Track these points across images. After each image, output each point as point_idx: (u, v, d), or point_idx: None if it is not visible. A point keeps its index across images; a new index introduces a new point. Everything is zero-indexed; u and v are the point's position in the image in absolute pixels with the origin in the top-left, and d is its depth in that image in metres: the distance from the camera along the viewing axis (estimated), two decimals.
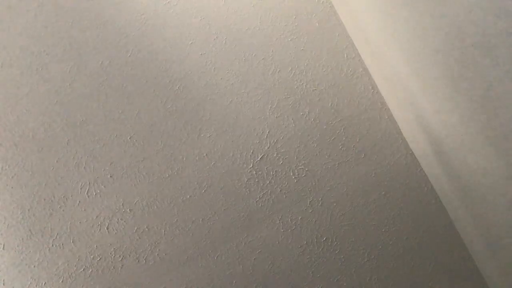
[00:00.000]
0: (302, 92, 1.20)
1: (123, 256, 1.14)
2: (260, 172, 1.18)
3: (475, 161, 0.87)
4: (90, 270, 1.13)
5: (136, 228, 1.14)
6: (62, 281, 1.12)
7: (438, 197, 1.20)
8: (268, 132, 1.19)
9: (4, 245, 1.11)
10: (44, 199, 1.12)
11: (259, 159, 1.19)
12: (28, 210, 1.12)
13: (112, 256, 1.13)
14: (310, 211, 1.19)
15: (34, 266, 1.11)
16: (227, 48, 1.20)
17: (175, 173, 1.16)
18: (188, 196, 1.17)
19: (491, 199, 0.90)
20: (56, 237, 1.12)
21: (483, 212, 0.97)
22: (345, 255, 1.19)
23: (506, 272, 1.04)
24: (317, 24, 1.21)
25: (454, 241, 1.20)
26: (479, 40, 0.63)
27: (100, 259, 1.13)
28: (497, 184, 0.84)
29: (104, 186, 1.14)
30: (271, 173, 1.19)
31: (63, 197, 1.13)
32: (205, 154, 1.17)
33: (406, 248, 1.19)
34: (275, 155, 1.19)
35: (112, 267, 1.13)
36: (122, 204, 1.15)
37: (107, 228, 1.14)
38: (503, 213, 0.89)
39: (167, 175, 1.16)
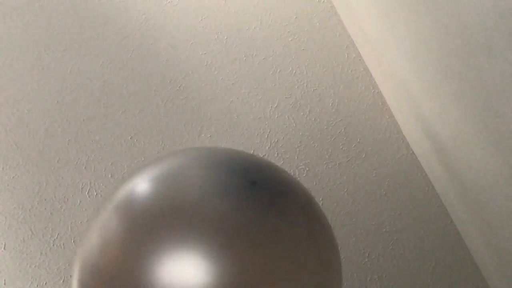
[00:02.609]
0: (302, 92, 1.20)
1: None
2: None
3: (477, 162, 0.87)
4: None
5: None
6: (63, 281, 1.12)
7: (439, 197, 1.20)
8: (269, 132, 1.19)
9: (5, 245, 1.11)
10: (45, 199, 1.13)
11: None
12: (29, 210, 1.12)
13: None
14: None
15: (35, 266, 1.11)
16: (228, 48, 1.19)
17: None
18: None
19: (493, 200, 0.90)
20: (57, 237, 1.12)
21: (484, 212, 0.97)
22: (345, 255, 1.19)
23: (507, 272, 1.04)
24: (317, 24, 1.21)
25: (455, 241, 1.20)
26: (480, 39, 0.63)
27: None
28: (499, 184, 0.84)
29: (105, 186, 1.14)
30: None
31: (64, 197, 1.13)
32: None
33: (407, 248, 1.19)
34: (276, 155, 1.19)
35: None
36: None
37: None
38: (505, 214, 0.89)
39: None
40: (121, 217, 0.32)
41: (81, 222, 1.13)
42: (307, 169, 1.19)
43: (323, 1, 1.21)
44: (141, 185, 0.34)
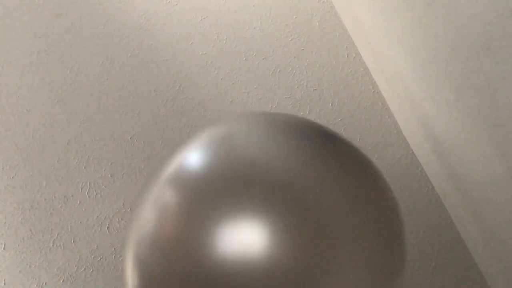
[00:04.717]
0: (302, 92, 1.20)
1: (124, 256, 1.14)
2: None
3: (477, 161, 0.87)
4: (91, 270, 1.13)
5: None
6: (62, 281, 1.12)
7: (439, 197, 1.20)
8: None
9: (4, 245, 1.11)
10: (45, 199, 1.12)
11: None
12: (29, 210, 1.12)
13: (113, 256, 1.13)
14: None
15: (35, 266, 1.11)
16: (228, 48, 1.19)
17: None
18: None
19: (492, 199, 0.90)
20: (56, 237, 1.12)
21: (484, 212, 0.97)
22: None
23: (507, 272, 1.04)
24: (317, 24, 1.21)
25: (455, 241, 1.20)
26: (480, 39, 0.63)
27: (100, 259, 1.13)
28: (499, 184, 0.84)
29: (105, 186, 1.14)
30: None
31: (64, 197, 1.13)
32: None
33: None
34: None
35: (113, 267, 1.13)
36: (123, 204, 1.15)
37: (108, 228, 1.14)
38: (504, 213, 0.89)
39: None
40: (175, 189, 0.28)
41: (81, 222, 1.13)
42: None
43: (323, 1, 1.21)
44: (193, 154, 0.29)
